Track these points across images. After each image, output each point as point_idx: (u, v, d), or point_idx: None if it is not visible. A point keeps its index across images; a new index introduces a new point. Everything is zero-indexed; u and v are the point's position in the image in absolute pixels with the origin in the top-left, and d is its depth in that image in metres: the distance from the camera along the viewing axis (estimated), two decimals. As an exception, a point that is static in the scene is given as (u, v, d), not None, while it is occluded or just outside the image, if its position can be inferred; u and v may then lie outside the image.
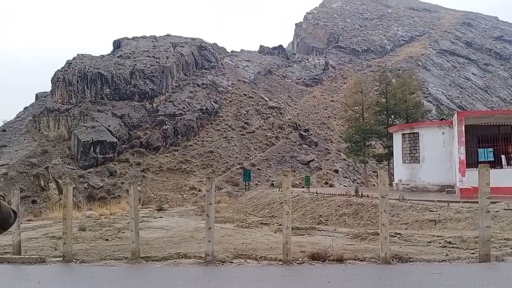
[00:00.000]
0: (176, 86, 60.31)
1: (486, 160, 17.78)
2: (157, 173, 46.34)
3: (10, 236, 10.68)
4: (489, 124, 19.24)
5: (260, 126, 56.73)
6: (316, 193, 19.01)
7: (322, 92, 71.12)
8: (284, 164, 48.48)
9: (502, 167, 18.30)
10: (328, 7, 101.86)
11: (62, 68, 57.35)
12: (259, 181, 44.86)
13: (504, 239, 9.81)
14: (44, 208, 35.17)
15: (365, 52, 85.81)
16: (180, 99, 57.26)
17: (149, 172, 46.34)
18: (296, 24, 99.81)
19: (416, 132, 21.80)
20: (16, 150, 49.44)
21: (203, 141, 52.62)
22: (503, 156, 18.62)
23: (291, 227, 8.97)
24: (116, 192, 41.79)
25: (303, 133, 56.27)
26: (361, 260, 8.41)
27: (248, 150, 51.61)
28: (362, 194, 16.94)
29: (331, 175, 48.81)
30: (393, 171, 27.53)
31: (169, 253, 9.49)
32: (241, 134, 54.48)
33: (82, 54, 60.35)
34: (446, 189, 18.86)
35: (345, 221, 14.41)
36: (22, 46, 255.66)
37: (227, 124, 56.06)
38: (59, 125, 52.30)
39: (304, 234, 12.54)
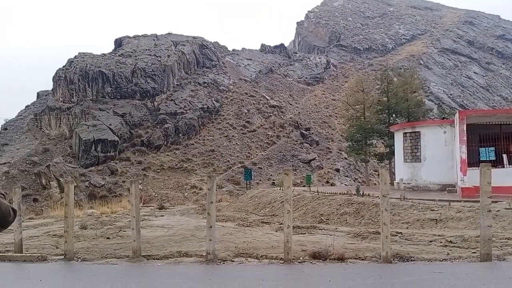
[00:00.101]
0: (177, 84, 60.30)
1: (488, 159, 17.75)
2: (158, 172, 46.38)
3: (11, 234, 10.71)
4: (491, 123, 19.20)
5: (261, 125, 56.72)
6: (317, 192, 19.01)
7: (324, 91, 71.07)
8: (285, 163, 48.48)
9: (503, 166, 18.28)
10: (329, 5, 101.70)
11: (63, 66, 57.37)
12: (260, 180, 44.87)
13: (505, 239, 9.81)
14: (45, 207, 35.24)
15: (367, 51, 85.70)
16: (182, 97, 57.27)
17: (150, 171, 46.38)
18: (297, 23, 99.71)
19: (418, 131, 21.77)
20: (17, 149, 49.52)
21: (204, 140, 52.63)
22: (504, 155, 18.59)
23: (292, 226, 8.97)
24: (117, 190, 41.84)
25: (304, 132, 56.24)
26: (362, 259, 8.41)
27: (249, 149, 51.61)
28: (363, 193, 16.93)
29: (332, 174, 48.80)
30: (394, 170, 27.53)
31: (170, 252, 9.51)
32: (242, 133, 54.49)
33: (84, 53, 60.36)
34: (447, 188, 18.84)
35: (346, 220, 14.41)
36: (23, 45, 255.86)
37: (228, 122, 56.06)
38: (60, 124, 52.36)
39: (305, 233, 12.55)
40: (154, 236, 12.68)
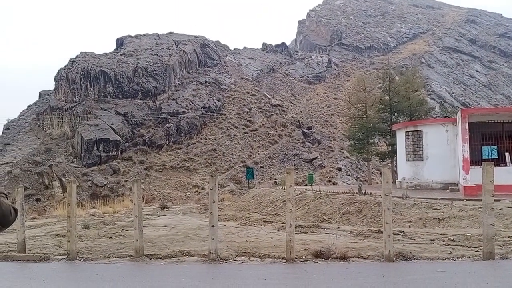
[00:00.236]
0: (179, 84, 60.34)
1: (490, 157, 17.72)
2: (160, 171, 46.43)
3: (14, 234, 10.74)
4: (493, 121, 19.16)
5: (263, 124, 56.72)
6: (319, 191, 19.01)
7: (325, 90, 71.02)
8: (287, 162, 48.48)
9: (506, 165, 18.24)
10: (331, 4, 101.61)
11: (65, 66, 57.47)
12: (262, 179, 44.88)
13: (508, 237, 9.79)
14: (48, 206, 35.33)
15: (368, 50, 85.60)
16: (183, 97, 57.31)
17: (152, 170, 46.44)
18: (299, 22, 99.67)
19: (420, 130, 21.75)
20: (20, 148, 49.65)
21: (206, 139, 52.67)
22: (507, 154, 18.55)
23: (295, 225, 8.97)
24: (119, 190, 41.91)
25: (306, 131, 56.23)
26: (365, 258, 8.41)
27: (251, 148, 51.63)
28: (365, 192, 16.92)
29: (334, 173, 48.78)
30: (396, 169, 27.49)
31: (172, 251, 9.52)
32: (244, 132, 54.50)
33: (85, 52, 60.45)
34: (449, 187, 18.82)
35: (349, 219, 14.40)
36: (25, 45, 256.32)
37: (230, 122, 56.08)
38: (62, 123, 52.46)
39: (307, 232, 12.54)
40: (156, 235, 12.70)
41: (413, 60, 77.95)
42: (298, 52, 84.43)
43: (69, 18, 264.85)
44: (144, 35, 69.21)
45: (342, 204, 15.70)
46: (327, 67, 76.83)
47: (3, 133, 55.96)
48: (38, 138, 52.01)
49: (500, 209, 11.77)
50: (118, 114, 52.06)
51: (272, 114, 58.69)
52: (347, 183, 43.28)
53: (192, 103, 56.57)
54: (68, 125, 51.76)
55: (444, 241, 9.93)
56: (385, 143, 36.29)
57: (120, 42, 67.25)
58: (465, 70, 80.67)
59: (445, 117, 30.22)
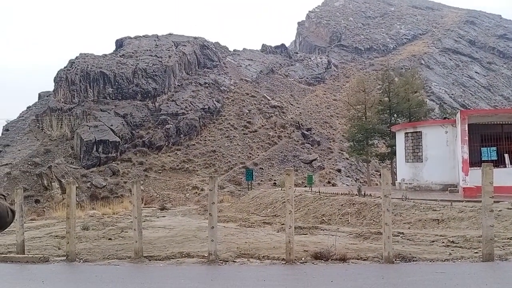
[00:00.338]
0: (178, 85, 60.36)
1: (490, 159, 17.73)
2: (160, 173, 46.41)
3: (13, 235, 10.73)
4: (492, 123, 19.17)
5: (262, 125, 56.73)
6: (319, 192, 19.00)
7: (325, 91, 71.06)
8: (286, 163, 48.48)
9: (505, 166, 18.24)
10: (330, 5, 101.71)
11: (64, 67, 57.48)
12: (261, 181, 44.87)
13: (508, 239, 9.79)
14: (47, 208, 35.27)
15: (368, 51, 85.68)
16: (183, 98, 57.32)
17: (151, 172, 46.41)
18: (298, 23, 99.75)
19: (419, 131, 21.76)
20: (19, 150, 49.61)
21: (205, 140, 52.66)
22: (506, 155, 18.56)
23: (294, 226, 8.97)
24: (119, 191, 41.88)
25: (305, 132, 56.24)
26: (364, 260, 8.41)
27: (251, 150, 51.62)
28: (365, 193, 16.92)
29: (333, 174, 48.77)
30: (396, 170, 27.50)
31: (172, 252, 9.51)
32: (244, 133, 54.50)
33: (85, 54, 60.48)
34: (449, 188, 18.82)
35: (348, 220, 14.39)
36: (25, 46, 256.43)
37: (229, 123, 56.08)
38: (62, 125, 52.43)
39: (307, 234, 12.54)
40: (156, 237, 12.69)
41: (412, 61, 78.02)
42: (297, 53, 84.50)
43: (69, 19, 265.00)
44: (143, 36, 69.23)
45: (342, 205, 15.70)
46: (326, 69, 76.89)
47: (2, 134, 55.93)
48: (38, 140, 51.97)
49: (499, 211, 11.77)
50: (117, 115, 52.06)
51: (271, 116, 58.71)
52: (347, 185, 43.28)
53: (192, 104, 56.58)
54: (68, 126, 51.74)
55: (443, 242, 9.93)
56: (385, 144, 36.30)
57: (119, 43, 67.28)
58: (464, 71, 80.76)
59: (445, 118, 30.26)
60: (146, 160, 48.07)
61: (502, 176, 15.78)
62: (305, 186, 29.44)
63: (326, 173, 48.65)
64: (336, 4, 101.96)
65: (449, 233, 10.88)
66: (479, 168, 9.78)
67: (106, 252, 10.11)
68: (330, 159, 52.35)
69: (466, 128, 17.74)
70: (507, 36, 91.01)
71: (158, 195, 41.29)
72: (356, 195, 16.94)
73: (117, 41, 68.25)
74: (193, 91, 59.47)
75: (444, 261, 8.15)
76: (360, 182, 42.59)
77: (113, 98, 54.81)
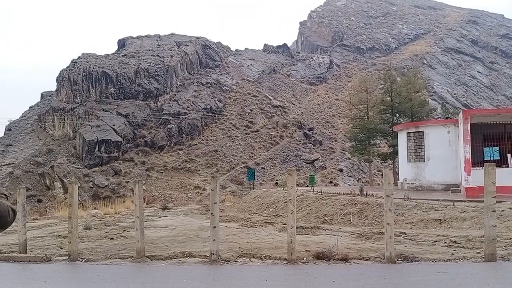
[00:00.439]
0: (180, 85, 60.41)
1: (492, 159, 17.66)
2: (162, 172, 46.46)
3: (16, 235, 10.75)
4: (495, 122, 19.11)
5: (264, 125, 56.73)
6: (321, 192, 18.98)
7: (327, 91, 71.02)
8: (288, 163, 48.47)
9: (508, 166, 18.18)
10: (332, 5, 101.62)
11: (67, 67, 57.60)
12: (263, 180, 44.88)
13: (510, 239, 9.76)
14: (49, 207, 35.36)
15: (370, 51, 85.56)
16: (185, 98, 57.36)
17: (153, 171, 46.47)
18: (300, 23, 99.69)
19: (421, 131, 21.71)
20: (21, 149, 49.72)
21: (207, 140, 52.69)
22: (509, 155, 18.50)
23: (296, 226, 8.96)
24: (121, 191, 41.95)
25: (307, 132, 56.22)
26: (366, 260, 8.40)
27: (253, 149, 51.63)
28: (367, 193, 16.89)
29: (335, 174, 48.74)
30: (398, 170, 27.45)
31: (174, 252, 9.52)
32: (246, 133, 54.52)
33: (87, 53, 60.59)
34: (451, 188, 18.77)
35: (350, 220, 14.38)
36: (27, 46, 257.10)
37: (231, 123, 56.10)
38: (64, 124, 52.54)
39: (308, 233, 12.54)
40: (157, 236, 12.70)
41: (414, 61, 77.88)
42: (299, 53, 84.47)
43: (71, 19, 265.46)
44: (145, 36, 69.31)
45: (344, 205, 15.68)
46: (328, 68, 76.83)
47: (4, 134, 56.07)
48: (40, 139, 52.09)
49: (502, 211, 11.74)
50: (119, 115, 52.14)
51: (273, 115, 58.71)
52: (349, 184, 43.24)
53: (194, 104, 56.62)
54: (70, 126, 51.85)
55: (445, 242, 9.91)
56: (387, 144, 36.23)
57: (121, 43, 67.37)
58: (466, 71, 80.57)
59: (447, 118, 30.19)
60: (148, 160, 48.13)
61: (504, 176, 15.72)
62: (307, 186, 29.44)
63: (328, 173, 48.62)
64: (338, 4, 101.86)
65: (451, 233, 10.86)
66: (481, 168, 9.76)
67: (108, 251, 10.13)
68: (332, 159, 52.32)
69: (469, 128, 17.70)
70: (510, 35, 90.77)
71: (160, 195, 41.33)
72: (358, 195, 16.92)
73: (119, 41, 68.36)
74: (195, 91, 59.51)
75: (446, 261, 8.13)
76: (362, 182, 42.53)
77: (115, 98, 54.90)
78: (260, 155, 50.74)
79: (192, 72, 64.21)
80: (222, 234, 11.15)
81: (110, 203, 30.26)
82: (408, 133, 22.49)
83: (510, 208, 12.04)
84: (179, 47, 65.16)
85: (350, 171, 50.54)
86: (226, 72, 67.35)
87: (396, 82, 35.55)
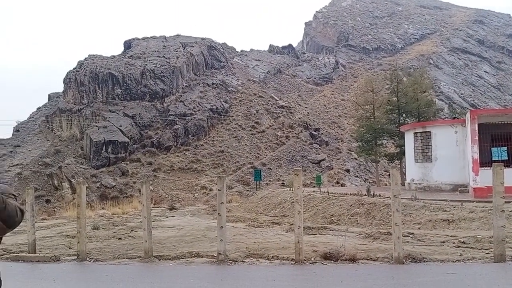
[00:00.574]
0: (186, 86, 60.57)
1: (500, 159, 17.55)
2: (169, 173, 46.60)
3: (25, 235, 10.84)
4: (503, 122, 18.99)
5: (270, 126, 56.72)
6: (328, 192, 18.95)
7: (333, 91, 70.86)
8: (294, 163, 48.42)
9: (516, 166, 18.04)
10: (338, 5, 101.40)
11: (74, 68, 57.99)
12: (269, 181, 44.87)
13: (519, 239, 9.69)
14: (57, 207, 35.60)
15: (376, 51, 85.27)
16: (191, 99, 57.51)
17: (160, 172, 46.62)
18: (305, 23, 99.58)
19: (428, 131, 21.61)
20: (29, 150, 50.10)
21: (213, 140, 52.78)
22: (517, 155, 18.36)
23: (303, 226, 8.96)
24: (128, 191, 42.13)
25: (313, 132, 56.12)
26: (374, 260, 8.37)
27: (259, 150, 51.64)
28: (374, 194, 16.84)
29: (342, 175, 48.62)
30: (405, 171, 27.34)
31: (181, 252, 9.55)
32: (252, 134, 54.53)
33: (94, 55, 60.93)
34: (459, 189, 18.67)
35: (357, 220, 14.34)
36: (35, 47, 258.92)
37: (237, 123, 56.15)
38: (71, 125, 52.89)
39: (316, 234, 12.52)
40: (165, 236, 12.75)
41: (421, 61, 77.52)
42: (305, 53, 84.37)
43: (78, 21, 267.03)
44: (151, 37, 69.57)
45: (351, 205, 15.64)
46: (334, 69, 76.68)
47: (13, 135, 56.52)
48: (48, 140, 52.46)
49: (510, 211, 11.66)
50: (126, 116, 52.38)
51: (279, 116, 58.68)
52: (355, 185, 43.12)
53: (200, 105, 56.74)
54: (77, 127, 52.17)
55: (454, 243, 9.86)
56: (394, 144, 36.09)
57: (127, 44, 67.69)
58: (473, 71, 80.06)
59: (454, 118, 30.02)
60: (155, 160, 48.30)
61: (513, 176, 15.60)
62: (314, 186, 29.41)
63: (335, 173, 48.51)
64: (343, 4, 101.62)
65: (460, 234, 10.80)
66: (489, 168, 9.69)
67: (116, 251, 10.18)
68: (338, 159, 52.19)
69: (476, 128, 17.60)
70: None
71: (167, 195, 41.47)
72: (365, 195, 16.87)
73: (125, 42, 68.69)
74: (201, 92, 59.64)
75: (455, 262, 8.09)
76: (369, 183, 42.39)
77: (122, 99, 55.17)
78: (266, 155, 50.74)
79: (198, 73, 64.36)
80: (229, 234, 11.16)
81: (118, 203, 30.43)
82: (415, 133, 22.39)
83: (519, 209, 11.94)
84: (184, 48, 65.34)
85: (357, 171, 50.39)
86: (232, 73, 67.43)
87: (402, 82, 35.40)
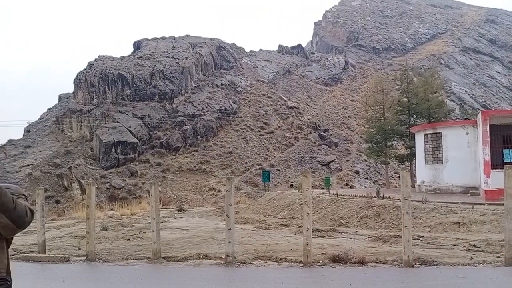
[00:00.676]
0: (195, 86, 60.75)
1: (512, 160, 17.33)
2: (177, 174, 46.76)
3: (35, 235, 10.93)
4: (515, 123, 18.75)
5: (279, 127, 56.64)
6: (337, 194, 18.86)
7: (342, 92, 70.56)
8: (303, 164, 48.29)
9: (528, 168, 17.78)
10: (347, 5, 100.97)
11: (84, 69, 58.50)
12: (278, 182, 44.79)
13: (532, 243, 9.53)
14: (67, 208, 35.91)
15: (386, 51, 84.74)
16: (200, 99, 57.67)
17: (169, 173, 46.80)
18: (315, 23, 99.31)
19: (439, 132, 21.41)
20: (40, 151, 50.62)
21: (222, 141, 52.85)
22: (529, 157, 18.11)
23: (312, 228, 8.91)
24: (137, 192, 42.36)
25: (322, 133, 55.92)
26: (383, 263, 8.30)
27: (267, 151, 51.59)
28: (383, 196, 16.72)
29: (351, 176, 48.36)
30: (415, 172, 27.13)
31: (189, 254, 9.56)
32: (260, 135, 54.51)
33: (103, 56, 61.41)
34: (470, 191, 18.47)
35: (366, 223, 14.24)
36: (46, 48, 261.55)
37: (246, 124, 56.16)
38: (81, 126, 53.35)
39: (324, 236, 12.45)
40: (173, 238, 12.77)
41: (431, 61, 76.86)
42: (314, 53, 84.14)
43: (89, 22, 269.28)
44: (160, 38, 69.92)
45: (360, 208, 15.54)
46: (343, 69, 76.36)
47: (23, 135, 57.16)
48: (58, 141, 52.95)
49: (523, 214, 11.48)
50: (135, 117, 52.69)
51: (288, 117, 58.58)
52: (365, 187, 42.86)
53: (209, 106, 56.87)
54: (87, 128, 52.61)
55: (464, 246, 9.74)
56: (404, 145, 35.79)
57: (137, 45, 68.11)
58: (485, 71, 79.19)
59: (465, 119, 29.72)
60: (164, 161, 48.51)
61: (525, 178, 15.38)
62: (323, 188, 29.29)
63: (344, 175, 48.28)
64: (353, 4, 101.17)
65: (471, 237, 10.67)
66: (501, 170, 9.56)
67: (125, 252, 10.23)
68: (348, 160, 51.93)
69: (488, 129, 17.40)
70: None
71: (175, 196, 41.61)
72: (375, 197, 16.76)
73: (134, 43, 69.12)
74: (209, 92, 59.77)
75: (466, 265, 7.99)
76: (379, 184, 42.12)
77: (131, 99, 55.51)
78: (274, 156, 50.68)
79: (207, 73, 64.52)
80: (237, 236, 11.15)
81: (127, 204, 30.59)
82: (426, 134, 22.20)
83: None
84: (193, 48, 65.56)
85: (367, 173, 50.10)
86: (241, 74, 67.48)
87: (413, 83, 35.11)
